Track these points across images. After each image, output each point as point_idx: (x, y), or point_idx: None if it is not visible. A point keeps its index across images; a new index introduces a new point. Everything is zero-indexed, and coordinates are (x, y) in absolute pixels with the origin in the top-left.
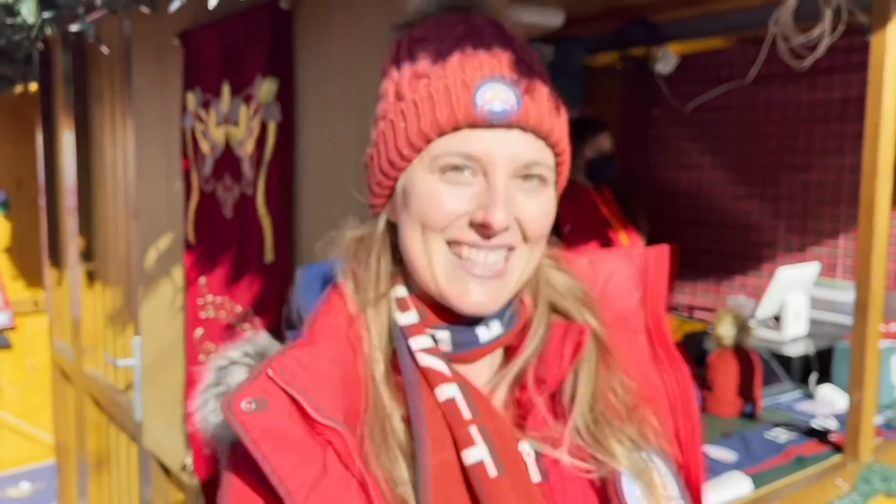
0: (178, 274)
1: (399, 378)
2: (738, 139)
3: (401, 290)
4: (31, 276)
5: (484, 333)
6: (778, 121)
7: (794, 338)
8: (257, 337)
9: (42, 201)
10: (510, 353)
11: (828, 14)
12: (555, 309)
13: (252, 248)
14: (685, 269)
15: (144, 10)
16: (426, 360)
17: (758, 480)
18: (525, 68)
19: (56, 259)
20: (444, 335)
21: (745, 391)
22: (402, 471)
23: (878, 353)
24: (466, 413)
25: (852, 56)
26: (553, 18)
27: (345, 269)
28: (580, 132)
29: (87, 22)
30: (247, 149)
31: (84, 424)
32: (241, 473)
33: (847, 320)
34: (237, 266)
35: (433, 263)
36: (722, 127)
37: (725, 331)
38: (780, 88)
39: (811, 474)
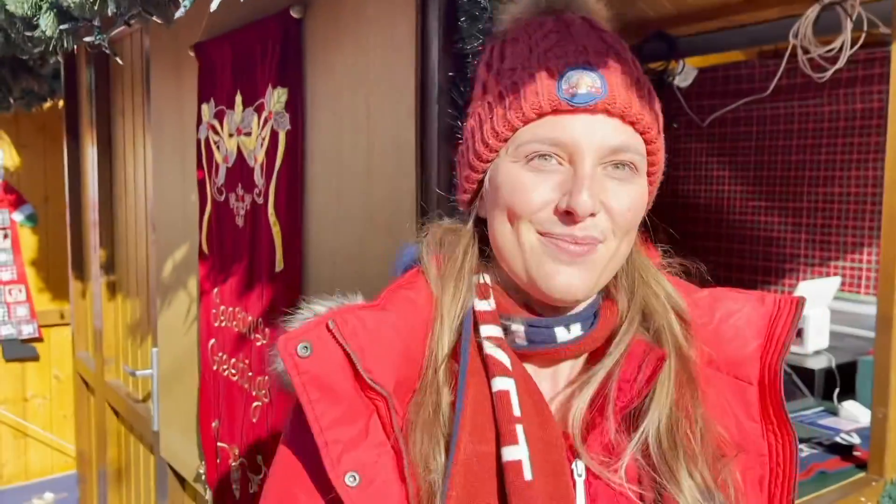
0: (193, 284)
1: (456, 365)
2: (758, 152)
3: (485, 278)
4: (58, 289)
5: (562, 333)
6: (799, 133)
7: (816, 351)
8: (350, 296)
9: (68, 214)
10: (591, 362)
11: (848, 25)
12: (645, 321)
13: (263, 257)
14: (704, 282)
15: (157, 20)
16: (491, 349)
17: None
18: (614, 56)
19: (80, 271)
20: (518, 327)
21: None
22: (439, 457)
23: None
24: (517, 410)
25: (874, 67)
26: None
27: (429, 251)
28: None
29: (101, 33)
30: (258, 158)
31: (105, 434)
32: (296, 437)
33: (871, 334)
34: (249, 275)
35: (523, 251)
36: (742, 140)
37: None
38: (801, 101)
39: (834, 491)
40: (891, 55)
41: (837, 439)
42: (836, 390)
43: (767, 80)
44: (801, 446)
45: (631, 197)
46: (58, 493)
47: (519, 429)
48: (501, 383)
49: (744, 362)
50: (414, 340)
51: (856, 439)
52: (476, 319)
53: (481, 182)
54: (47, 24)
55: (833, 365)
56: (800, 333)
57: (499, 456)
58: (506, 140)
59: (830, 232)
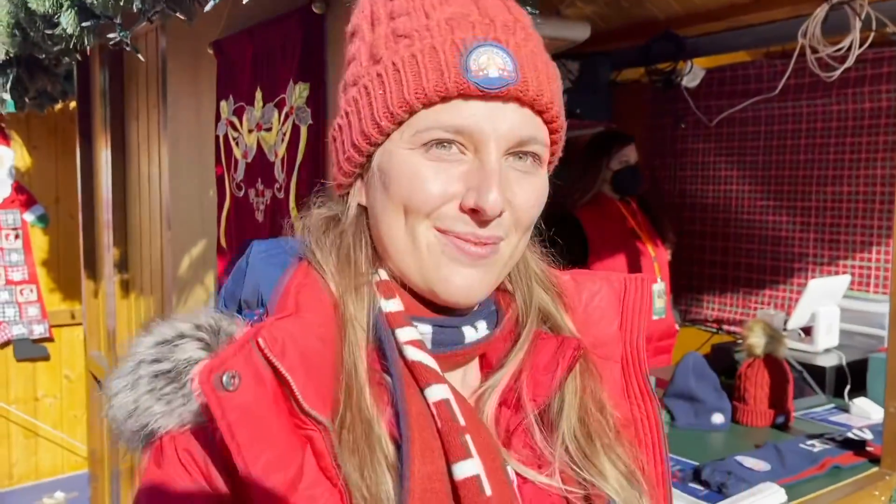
0: (210, 280)
1: (380, 375)
2: (766, 152)
3: (383, 274)
4: (68, 289)
5: (471, 333)
6: (807, 133)
7: (826, 349)
8: (206, 310)
9: (80, 215)
10: (485, 363)
11: (857, 25)
12: (543, 319)
13: None
14: (713, 282)
15: (180, 17)
16: (415, 355)
17: (792, 491)
18: (522, 31)
19: (92, 271)
20: (425, 329)
21: (777, 402)
22: (388, 486)
23: None
24: (461, 419)
25: (882, 66)
26: (580, 32)
27: (318, 244)
28: (606, 145)
29: (123, 30)
30: (279, 152)
31: None
32: (171, 475)
33: (881, 332)
34: None
35: (419, 251)
36: (750, 140)
37: (757, 340)
38: (809, 101)
39: (847, 485)
40: None
41: (850, 435)
42: (847, 387)
43: (775, 80)
44: (813, 442)
45: (535, 191)
46: (68, 492)
47: (468, 440)
48: (438, 392)
49: (609, 342)
50: (336, 351)
51: (868, 435)
52: (389, 323)
53: (364, 166)
54: (68, 21)
55: (844, 362)
56: (809, 332)
57: (450, 473)
58: (401, 123)
59: (839, 231)
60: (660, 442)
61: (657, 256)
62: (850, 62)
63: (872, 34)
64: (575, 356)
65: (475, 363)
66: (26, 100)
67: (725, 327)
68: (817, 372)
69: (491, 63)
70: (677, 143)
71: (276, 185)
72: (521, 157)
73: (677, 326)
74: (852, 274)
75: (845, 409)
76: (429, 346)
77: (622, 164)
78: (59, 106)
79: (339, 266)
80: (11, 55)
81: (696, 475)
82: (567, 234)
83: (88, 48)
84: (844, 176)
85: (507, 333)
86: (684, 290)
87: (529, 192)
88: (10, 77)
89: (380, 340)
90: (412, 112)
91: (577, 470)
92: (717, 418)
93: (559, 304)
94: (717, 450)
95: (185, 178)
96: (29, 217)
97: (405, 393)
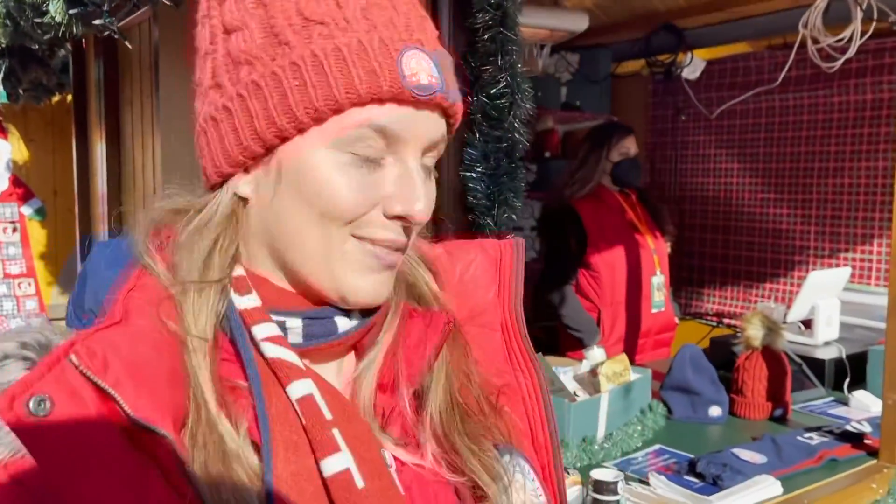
0: None
1: (231, 378)
2: (767, 144)
3: (238, 270)
4: (66, 283)
5: (344, 323)
6: (808, 125)
7: (826, 342)
8: (35, 323)
9: (76, 208)
10: (360, 349)
11: (858, 15)
12: (414, 296)
13: None
14: (714, 275)
15: (167, 2)
16: (274, 351)
17: (788, 483)
18: (432, 32)
19: None
20: (295, 323)
21: (775, 394)
22: (252, 496)
23: None
24: (327, 413)
25: (884, 57)
26: (578, 23)
27: (148, 246)
28: (606, 136)
29: (109, 17)
30: None
31: None
32: None
33: (882, 325)
34: None
35: (332, 258)
36: (750, 132)
37: (755, 332)
38: (810, 92)
39: (844, 477)
40: None
41: (848, 427)
42: (847, 380)
43: (776, 72)
44: (811, 434)
45: (434, 193)
46: None
47: (336, 433)
48: (301, 387)
49: (488, 309)
50: (175, 356)
51: (867, 427)
52: (243, 320)
53: (259, 158)
54: (56, 9)
55: (843, 355)
56: (809, 325)
57: (320, 470)
58: (322, 121)
59: (840, 223)
60: (542, 405)
61: (656, 249)
62: (851, 52)
63: (874, 24)
64: (445, 331)
65: (352, 354)
66: (20, 91)
67: (726, 320)
68: (816, 365)
69: (420, 69)
70: (678, 135)
71: None
72: (425, 163)
73: (676, 320)
74: (853, 267)
75: (844, 402)
76: (300, 339)
77: (622, 156)
78: (56, 98)
79: (178, 265)
80: (4, 45)
81: (692, 467)
82: (565, 226)
83: (83, 39)
84: (845, 168)
85: (380, 317)
86: (685, 283)
87: (432, 193)
88: (3, 68)
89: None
90: (339, 111)
91: (452, 451)
92: (715, 411)
93: (429, 277)
94: (715, 442)
95: (178, 169)
96: (26, 210)
97: (264, 393)
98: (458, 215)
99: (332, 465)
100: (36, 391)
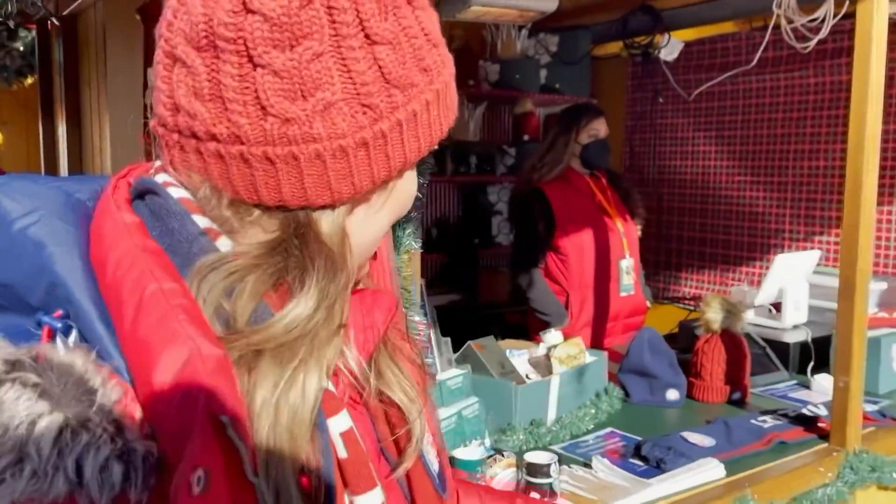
0: None
1: None
2: (744, 126)
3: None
4: None
5: None
6: (785, 106)
7: (794, 325)
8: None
9: None
10: None
11: None
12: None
13: None
14: (691, 259)
15: None
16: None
17: (734, 466)
18: None
19: None
20: None
21: (734, 377)
22: None
23: (864, 335)
24: (363, 446)
25: None
26: (547, 3)
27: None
28: (575, 118)
29: None
30: None
31: None
32: None
33: None
34: None
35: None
36: (728, 114)
37: (714, 315)
38: (787, 73)
39: (790, 461)
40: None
41: (804, 411)
42: (811, 364)
43: (753, 53)
44: (765, 418)
45: None
46: None
47: (372, 468)
48: (343, 420)
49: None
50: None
51: (822, 411)
52: None
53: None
54: None
55: (809, 339)
56: (778, 308)
57: None
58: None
59: (815, 206)
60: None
61: (625, 232)
62: (824, 32)
63: (846, 4)
64: (392, 310)
65: None
66: None
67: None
68: (781, 348)
69: None
70: (656, 117)
71: None
72: None
73: (648, 304)
74: (827, 250)
75: (806, 386)
76: None
77: (591, 138)
78: (29, 81)
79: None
80: None
81: (637, 451)
82: (533, 209)
83: (49, 21)
84: (821, 150)
85: None
86: (663, 267)
87: None
88: None
89: None
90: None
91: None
92: (672, 394)
93: None
94: (670, 426)
95: (128, 149)
96: None
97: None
98: None
99: (369, 501)
100: (201, 462)
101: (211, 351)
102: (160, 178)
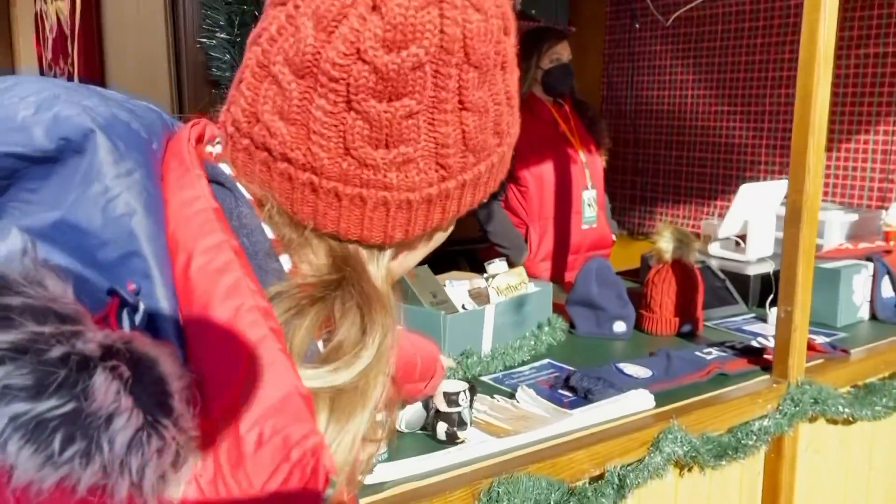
0: None
1: None
2: (722, 52)
3: None
4: None
5: None
6: (764, 31)
7: (758, 259)
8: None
9: None
10: None
11: None
12: None
13: None
14: (666, 193)
15: None
16: None
17: (666, 397)
18: None
19: None
20: None
21: (685, 309)
22: None
23: (810, 262)
24: None
25: None
26: None
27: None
28: (536, 42)
29: None
30: (67, 19)
31: None
32: None
33: (820, 241)
34: None
35: None
36: (706, 40)
37: (665, 245)
38: None
39: (727, 392)
40: None
41: (753, 343)
42: (771, 297)
43: None
44: (710, 349)
45: None
46: None
47: None
48: None
49: None
50: None
51: (770, 343)
52: None
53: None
54: None
55: (771, 271)
56: (744, 239)
57: None
58: None
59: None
60: None
61: (589, 162)
62: None
63: None
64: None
65: None
66: None
67: None
68: (743, 281)
69: None
70: (634, 45)
71: (70, 60)
72: None
73: (614, 237)
74: None
75: (764, 319)
76: None
77: (553, 63)
78: None
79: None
80: None
81: (567, 381)
82: None
83: None
84: None
85: None
86: (638, 202)
87: None
88: None
89: None
90: None
91: None
92: (619, 326)
93: None
94: (611, 358)
95: (31, 60)
96: None
97: None
98: (200, 89)
99: None
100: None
101: (304, 390)
102: (226, 168)
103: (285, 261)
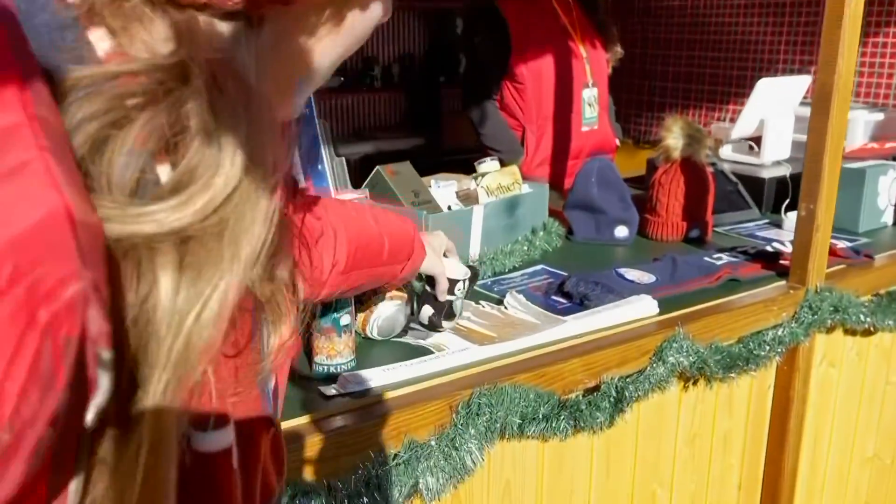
0: None
1: None
2: None
3: None
4: None
5: None
6: None
7: (774, 162)
8: None
9: None
10: None
11: None
12: None
13: None
14: (676, 97)
15: None
16: None
17: (672, 303)
18: None
19: None
20: None
21: (693, 212)
22: None
23: (839, 151)
24: None
25: None
26: None
27: None
28: None
29: None
30: None
31: None
32: None
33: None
34: None
35: None
36: None
37: (674, 141)
38: None
39: (739, 298)
40: None
41: (768, 248)
42: (787, 201)
43: None
44: (720, 255)
45: None
46: None
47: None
48: None
49: None
50: None
51: (788, 248)
52: None
53: None
54: None
55: (788, 174)
56: (757, 142)
57: None
58: None
59: (815, 30)
60: None
61: (590, 58)
62: None
63: None
64: None
65: None
66: None
67: None
68: (757, 185)
69: None
70: None
71: None
72: None
73: (617, 142)
74: None
75: (779, 225)
76: None
77: None
78: None
79: None
80: None
81: (561, 287)
82: (487, 30)
83: None
84: None
85: None
86: (644, 107)
87: None
88: None
89: None
90: None
91: None
92: (621, 231)
93: None
94: (612, 264)
95: None
96: None
97: None
98: None
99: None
100: None
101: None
102: None
103: (99, 39)
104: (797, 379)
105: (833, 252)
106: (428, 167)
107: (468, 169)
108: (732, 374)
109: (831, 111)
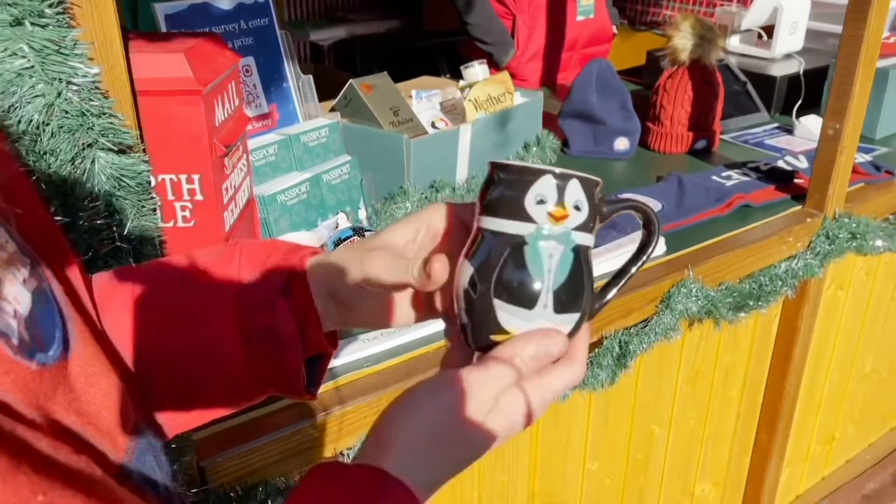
0: None
1: None
2: None
3: None
4: None
5: None
6: None
7: (786, 55)
8: None
9: None
10: None
11: None
12: None
13: None
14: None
15: None
16: None
17: (681, 238)
18: None
19: None
20: None
21: (700, 122)
22: None
23: (873, 64)
24: None
25: None
26: None
27: None
28: None
29: None
30: None
31: None
32: None
33: None
34: None
35: None
36: None
37: (682, 41)
38: None
39: (750, 231)
40: None
41: (780, 163)
42: (799, 102)
43: None
44: (729, 173)
45: None
46: None
47: None
48: None
49: None
50: None
51: (803, 163)
52: None
53: None
54: None
55: (801, 71)
56: (769, 32)
57: None
58: None
59: None
60: None
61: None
62: None
63: None
64: None
65: None
66: None
67: None
68: (767, 83)
69: None
70: None
71: None
72: None
73: (614, 30)
74: None
75: (790, 130)
76: None
77: None
78: None
79: None
80: None
81: None
82: None
83: None
84: None
85: None
86: None
87: None
88: None
89: None
90: None
91: None
92: (622, 144)
93: None
94: (612, 184)
95: None
96: None
97: None
98: None
99: None
100: None
101: None
102: None
103: None
104: (805, 307)
105: (853, 170)
106: (407, 53)
107: (451, 57)
108: (742, 314)
109: (869, 16)
